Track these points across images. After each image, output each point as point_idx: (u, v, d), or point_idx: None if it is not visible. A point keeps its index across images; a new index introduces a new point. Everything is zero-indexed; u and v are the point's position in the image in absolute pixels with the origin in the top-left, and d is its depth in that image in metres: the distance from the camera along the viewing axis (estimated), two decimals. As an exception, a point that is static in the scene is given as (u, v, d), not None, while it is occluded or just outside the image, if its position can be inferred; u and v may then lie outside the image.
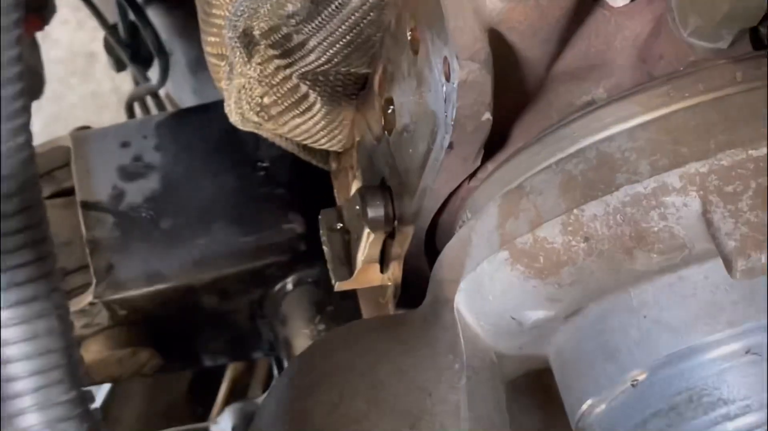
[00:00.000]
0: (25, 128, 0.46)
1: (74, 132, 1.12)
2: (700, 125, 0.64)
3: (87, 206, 1.07)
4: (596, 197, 0.65)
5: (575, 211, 0.65)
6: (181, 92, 1.46)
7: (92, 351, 1.08)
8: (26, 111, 0.46)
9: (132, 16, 1.35)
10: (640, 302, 0.68)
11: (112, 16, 1.43)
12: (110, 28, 1.43)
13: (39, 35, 2.88)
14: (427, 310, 0.74)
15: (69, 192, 1.11)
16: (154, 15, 1.36)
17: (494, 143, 0.75)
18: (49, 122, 2.91)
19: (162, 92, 1.54)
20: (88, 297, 1.04)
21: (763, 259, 0.61)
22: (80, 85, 2.99)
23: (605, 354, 0.69)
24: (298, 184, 1.08)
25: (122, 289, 1.04)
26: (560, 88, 0.75)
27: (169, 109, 1.52)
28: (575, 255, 0.65)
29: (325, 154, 0.98)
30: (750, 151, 0.62)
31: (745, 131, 0.63)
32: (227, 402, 1.68)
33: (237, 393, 1.71)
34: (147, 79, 1.44)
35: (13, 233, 0.47)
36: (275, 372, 1.18)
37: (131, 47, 1.40)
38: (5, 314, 0.47)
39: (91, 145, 1.10)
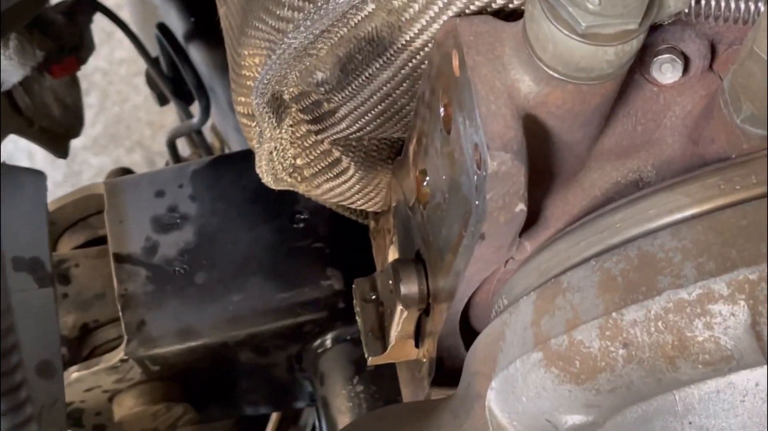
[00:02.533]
0: None
1: (108, 179, 1.09)
2: (750, 225, 0.59)
3: (120, 259, 1.03)
4: (637, 301, 0.60)
5: (614, 314, 0.60)
6: (225, 127, 1.43)
7: (125, 406, 1.05)
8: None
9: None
10: (686, 407, 0.63)
11: (156, 48, 1.39)
12: (152, 61, 1.40)
13: (103, 34, 2.87)
14: (459, 404, 0.70)
15: (104, 239, 1.08)
16: (195, 51, 1.32)
17: (535, 221, 0.70)
18: (111, 124, 2.90)
19: (209, 122, 1.50)
20: (119, 354, 1.00)
21: (818, 379, 0.56)
22: (144, 85, 2.98)
23: (647, 459, 0.64)
24: (337, 237, 1.04)
25: (154, 346, 1.00)
26: (606, 166, 0.70)
27: (215, 142, 1.49)
28: (613, 361, 0.61)
29: (363, 211, 0.94)
30: (805, 258, 0.57)
31: (800, 235, 0.58)
32: (277, 431, 1.65)
33: (288, 422, 1.68)
34: (190, 115, 1.41)
35: None
36: (317, 423, 1.14)
37: (174, 82, 1.37)
38: None
39: (125, 194, 1.06)
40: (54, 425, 0.87)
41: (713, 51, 0.68)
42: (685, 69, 0.68)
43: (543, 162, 0.67)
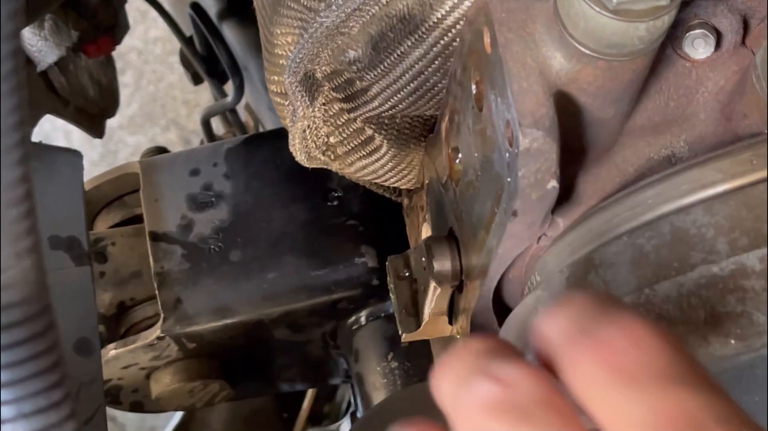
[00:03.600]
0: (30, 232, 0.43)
1: (144, 158, 1.10)
2: (783, 201, 0.59)
3: (155, 237, 1.04)
4: (669, 277, 0.60)
5: (646, 290, 0.60)
6: (259, 105, 1.43)
7: (163, 383, 1.06)
8: (30, 214, 0.43)
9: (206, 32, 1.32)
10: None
11: (190, 27, 1.40)
12: (186, 41, 1.40)
13: (138, 14, 2.87)
14: (492, 380, 0.70)
15: (140, 218, 1.09)
16: (228, 30, 1.32)
17: (567, 198, 0.71)
18: (146, 103, 2.91)
19: (243, 101, 1.51)
20: (156, 331, 1.01)
21: None
22: (179, 64, 2.99)
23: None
24: (371, 215, 1.04)
25: (190, 324, 1.01)
26: (638, 142, 0.70)
27: (249, 120, 1.49)
28: (647, 337, 0.61)
29: (396, 188, 0.95)
30: (838, 233, 0.57)
31: (833, 210, 0.58)
32: (313, 407, 1.66)
33: (324, 398, 1.69)
34: (224, 94, 1.41)
35: (15, 345, 0.43)
36: (352, 399, 1.15)
37: (207, 61, 1.37)
38: (4, 428, 0.44)
39: (160, 173, 1.07)
40: (92, 402, 0.88)
41: (746, 26, 0.68)
42: (718, 44, 0.68)
43: (575, 139, 0.67)
